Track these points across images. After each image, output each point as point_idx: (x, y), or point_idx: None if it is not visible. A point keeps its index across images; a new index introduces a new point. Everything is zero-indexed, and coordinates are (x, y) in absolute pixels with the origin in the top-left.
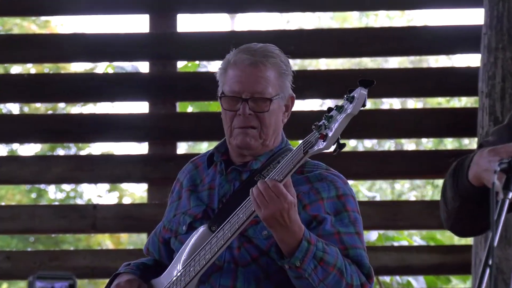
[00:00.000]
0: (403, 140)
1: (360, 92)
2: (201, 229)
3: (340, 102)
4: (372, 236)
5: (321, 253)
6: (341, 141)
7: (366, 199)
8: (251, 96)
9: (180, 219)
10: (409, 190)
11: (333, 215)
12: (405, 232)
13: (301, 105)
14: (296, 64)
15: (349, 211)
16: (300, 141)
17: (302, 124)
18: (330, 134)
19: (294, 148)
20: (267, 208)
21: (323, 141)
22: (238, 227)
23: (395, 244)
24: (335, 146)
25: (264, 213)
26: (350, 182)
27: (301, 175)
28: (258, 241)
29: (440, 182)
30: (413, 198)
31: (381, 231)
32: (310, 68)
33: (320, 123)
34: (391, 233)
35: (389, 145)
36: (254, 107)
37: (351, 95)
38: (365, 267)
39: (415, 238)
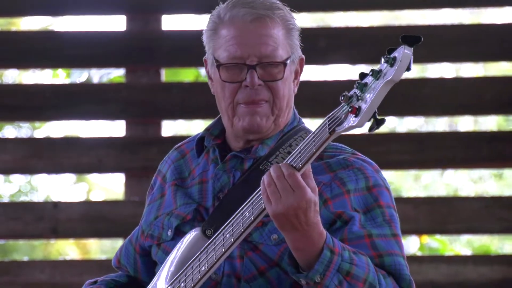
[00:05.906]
0: (458, 119)
1: (403, 52)
2: (193, 233)
3: (376, 66)
4: (411, 244)
5: (347, 264)
6: (379, 117)
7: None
8: (258, 62)
9: (164, 221)
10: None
11: (362, 212)
12: (457, 246)
13: (324, 72)
14: (316, 19)
15: (383, 206)
16: (323, 120)
17: (324, 98)
18: (364, 107)
19: (316, 127)
20: (278, 203)
21: (355, 116)
22: (244, 230)
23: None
24: (370, 122)
25: (275, 209)
26: (387, 174)
27: (320, 161)
28: (266, 248)
29: (508, 172)
30: (471, 194)
31: (426, 239)
32: (335, 25)
33: (351, 92)
34: (434, 244)
35: (439, 124)
36: (264, 76)
37: (392, 55)
38: (405, 279)
39: (464, 251)
